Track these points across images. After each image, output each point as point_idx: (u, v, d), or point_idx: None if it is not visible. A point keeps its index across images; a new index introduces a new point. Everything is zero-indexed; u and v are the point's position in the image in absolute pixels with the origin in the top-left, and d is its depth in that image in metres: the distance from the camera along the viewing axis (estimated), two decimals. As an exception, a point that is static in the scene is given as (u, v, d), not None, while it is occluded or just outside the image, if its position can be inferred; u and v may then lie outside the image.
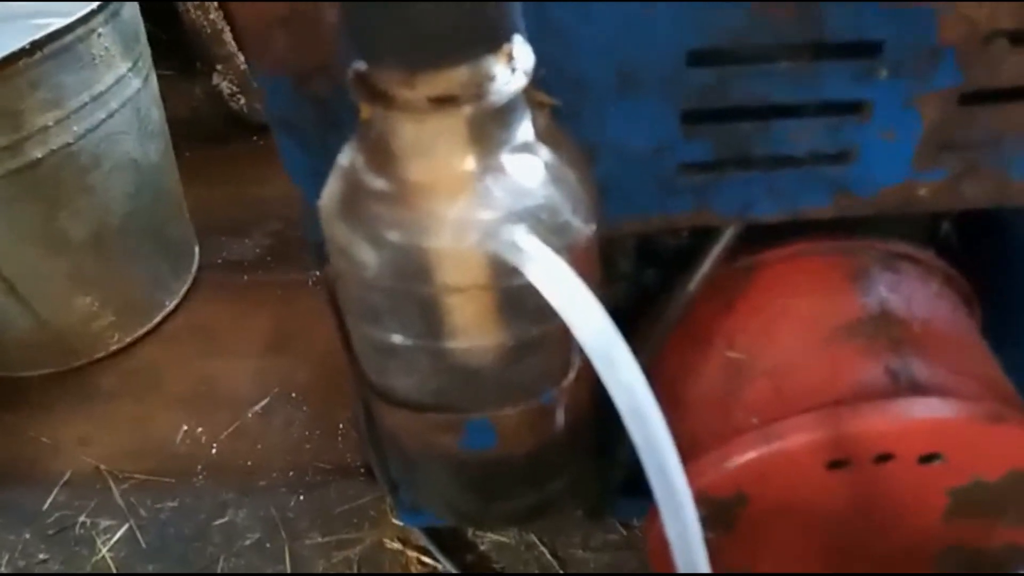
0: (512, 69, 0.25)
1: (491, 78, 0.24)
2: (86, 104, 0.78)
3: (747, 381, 0.35)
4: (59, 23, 0.78)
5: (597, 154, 0.33)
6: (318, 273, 1.14)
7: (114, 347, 0.93)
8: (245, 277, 1.03)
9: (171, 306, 0.98)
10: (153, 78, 0.90)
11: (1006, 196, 0.34)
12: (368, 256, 0.27)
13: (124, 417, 0.87)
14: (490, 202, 0.26)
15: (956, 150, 0.33)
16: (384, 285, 0.27)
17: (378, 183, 0.26)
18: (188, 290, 1.00)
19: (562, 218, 0.27)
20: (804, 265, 0.38)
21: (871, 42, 0.30)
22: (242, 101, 1.23)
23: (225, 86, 1.22)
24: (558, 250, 0.25)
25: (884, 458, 0.32)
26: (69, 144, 0.78)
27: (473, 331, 0.28)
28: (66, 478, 0.81)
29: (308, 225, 0.35)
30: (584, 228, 0.28)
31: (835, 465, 0.33)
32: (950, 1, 0.28)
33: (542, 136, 0.27)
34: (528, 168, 0.26)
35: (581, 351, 0.31)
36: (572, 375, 0.31)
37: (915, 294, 0.38)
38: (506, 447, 0.31)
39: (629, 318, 0.35)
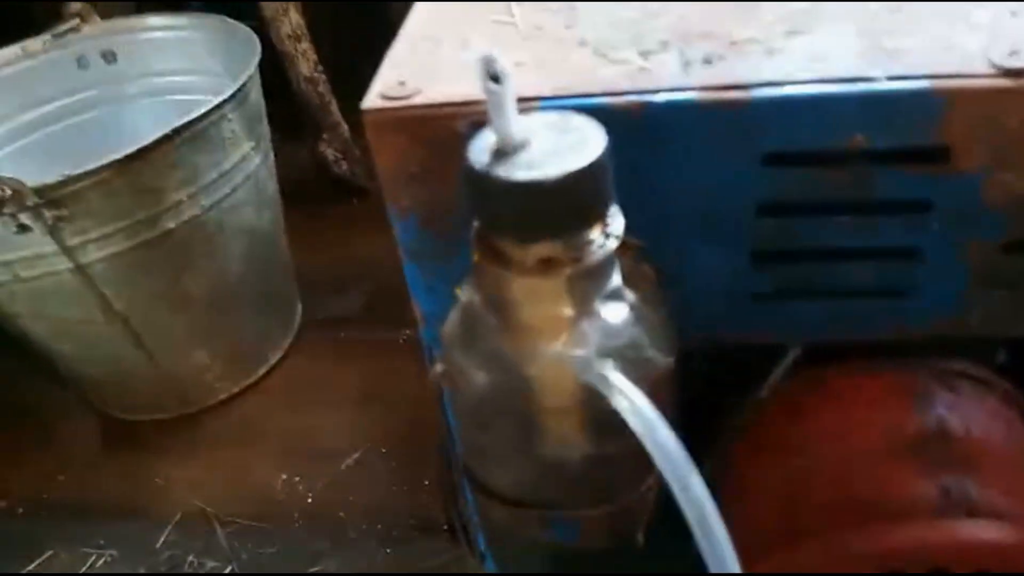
0: (607, 235, 0.30)
1: (589, 243, 0.30)
2: (214, 180, 0.88)
3: (808, 491, 0.39)
4: (197, 100, 0.88)
5: (677, 283, 0.38)
6: (408, 332, 1.21)
7: (222, 396, 1.02)
8: (342, 334, 1.12)
9: (275, 360, 1.07)
10: (271, 154, 1.01)
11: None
12: (480, 378, 0.33)
13: (229, 463, 0.96)
14: (583, 341, 0.31)
15: (1004, 290, 0.37)
16: (491, 401, 0.33)
17: (491, 320, 0.32)
18: (291, 345, 1.09)
19: (644, 354, 0.32)
20: (867, 382, 0.42)
21: (921, 201, 0.34)
22: (345, 167, 1.33)
23: (330, 152, 1.32)
24: (639, 381, 0.31)
25: (937, 573, 0.36)
26: (198, 215, 0.88)
27: (563, 444, 0.34)
28: (177, 519, 0.89)
29: (424, 331, 0.42)
30: (663, 360, 0.33)
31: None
32: (991, 168, 0.33)
33: (628, 276, 0.33)
34: (616, 312, 0.32)
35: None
36: (649, 481, 0.36)
37: (972, 412, 0.41)
38: (587, 541, 0.36)
39: (700, 420, 0.40)
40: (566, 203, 0.28)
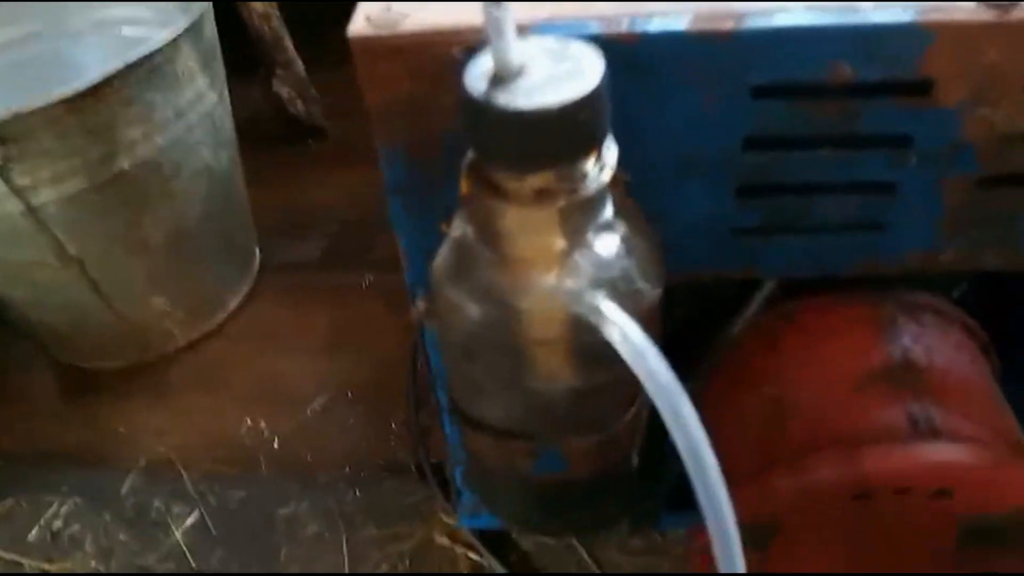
0: (600, 167, 0.30)
1: (584, 175, 0.30)
2: (170, 119, 0.85)
3: (783, 420, 0.41)
4: (147, 34, 0.85)
5: (661, 220, 0.38)
6: (371, 277, 1.19)
7: (183, 343, 1.01)
8: (303, 278, 1.10)
9: (234, 305, 1.05)
10: (226, 91, 0.97)
11: (1019, 263, 0.39)
12: (472, 311, 0.33)
13: (193, 410, 0.95)
14: (576, 273, 0.31)
15: (975, 224, 0.38)
16: (483, 334, 0.33)
17: (484, 253, 0.32)
18: (250, 290, 1.07)
19: (635, 285, 0.33)
20: (838, 314, 0.43)
21: (901, 135, 0.35)
22: (300, 106, 1.30)
23: (284, 91, 1.29)
24: (630, 312, 0.31)
25: (902, 492, 0.38)
26: (153, 155, 0.85)
27: (553, 375, 0.34)
28: (141, 465, 0.89)
29: (409, 270, 0.42)
30: (652, 292, 0.33)
31: (859, 496, 0.38)
32: (971, 103, 0.34)
33: (619, 209, 0.33)
34: (608, 243, 0.32)
35: (641, 392, 0.36)
36: (633, 411, 0.37)
37: (936, 344, 0.43)
38: (574, 471, 0.38)
39: (682, 352, 0.41)
40: (565, 133, 0.28)
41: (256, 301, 1.08)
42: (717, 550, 0.31)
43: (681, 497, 0.35)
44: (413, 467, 0.89)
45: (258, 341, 1.03)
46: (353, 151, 1.18)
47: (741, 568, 0.31)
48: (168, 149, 0.87)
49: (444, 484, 0.82)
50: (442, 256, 0.34)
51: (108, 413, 0.94)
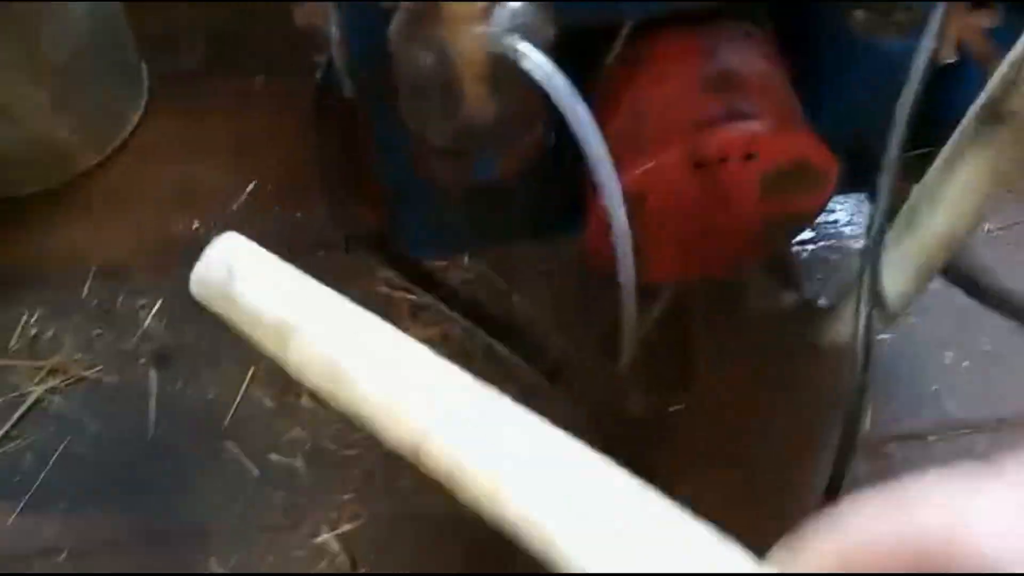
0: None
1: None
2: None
3: (645, 120, 0.59)
4: None
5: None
6: (262, 78, 1.27)
7: (96, 160, 1.09)
8: (196, 88, 1.18)
9: (136, 120, 1.13)
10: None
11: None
12: (426, 58, 0.48)
13: (124, 220, 1.06)
14: (498, 21, 0.47)
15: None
16: (433, 76, 0.49)
17: (429, 12, 0.46)
18: (147, 103, 1.14)
19: (541, 29, 0.48)
20: (676, 44, 0.61)
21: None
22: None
23: None
24: (538, 46, 0.47)
25: (724, 159, 0.58)
26: (37, -25, 0.90)
27: (486, 100, 0.50)
28: (92, 272, 1.00)
29: (354, 46, 0.55)
30: (551, 32, 0.49)
31: (698, 166, 0.58)
32: None
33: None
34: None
35: (549, 110, 0.53)
36: (542, 128, 0.54)
37: (747, 57, 0.61)
38: (504, 175, 0.55)
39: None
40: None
41: (154, 115, 1.15)
42: (606, 200, 0.50)
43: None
44: (343, 242, 1.05)
45: (168, 150, 1.12)
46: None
47: (620, 206, 0.50)
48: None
49: (379, 248, 0.99)
50: (396, 23, 0.48)
51: (41, 234, 1.04)
